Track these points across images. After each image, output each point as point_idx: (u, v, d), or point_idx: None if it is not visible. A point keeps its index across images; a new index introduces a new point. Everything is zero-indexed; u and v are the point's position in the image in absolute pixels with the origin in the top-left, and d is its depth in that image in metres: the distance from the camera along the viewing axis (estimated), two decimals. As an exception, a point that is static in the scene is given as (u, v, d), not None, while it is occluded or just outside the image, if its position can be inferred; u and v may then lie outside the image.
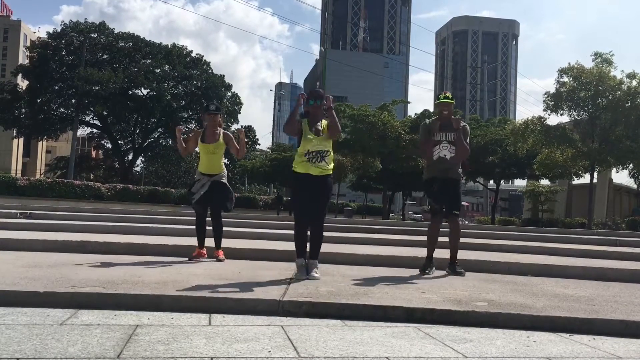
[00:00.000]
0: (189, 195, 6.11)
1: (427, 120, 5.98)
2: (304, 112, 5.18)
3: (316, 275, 4.84)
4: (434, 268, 5.60)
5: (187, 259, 5.90)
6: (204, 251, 6.01)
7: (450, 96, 5.83)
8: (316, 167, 4.97)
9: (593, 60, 24.67)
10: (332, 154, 5.11)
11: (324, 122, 5.09)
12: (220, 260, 5.85)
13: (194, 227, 6.17)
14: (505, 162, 35.16)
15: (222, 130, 6.17)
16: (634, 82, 23.94)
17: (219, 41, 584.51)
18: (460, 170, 5.70)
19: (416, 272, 5.58)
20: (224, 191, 6.06)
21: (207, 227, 6.16)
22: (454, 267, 5.61)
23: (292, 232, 5.16)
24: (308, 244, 5.09)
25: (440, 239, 5.72)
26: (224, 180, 6.13)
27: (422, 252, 6.43)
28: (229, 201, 6.08)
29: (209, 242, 6.10)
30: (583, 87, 24.12)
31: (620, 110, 23.47)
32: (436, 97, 5.91)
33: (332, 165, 5.10)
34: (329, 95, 5.15)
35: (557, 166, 25.30)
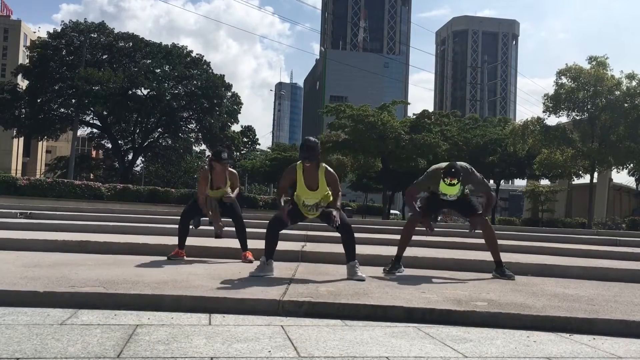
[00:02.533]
0: (192, 207, 6.11)
1: (435, 168, 5.50)
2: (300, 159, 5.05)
3: (360, 274, 4.81)
4: (403, 269, 5.46)
5: (186, 258, 5.89)
6: (184, 252, 5.96)
7: (455, 182, 5.16)
8: (315, 213, 5.05)
9: (589, 64, 24.74)
10: (329, 195, 5.05)
11: (320, 175, 4.98)
12: (249, 262, 5.78)
13: (193, 227, 6.17)
14: (505, 162, 35.18)
15: (228, 173, 6.16)
16: (634, 83, 23.97)
17: (220, 40, 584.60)
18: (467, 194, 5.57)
19: (416, 272, 5.56)
20: (232, 205, 6.09)
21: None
22: (501, 271, 5.40)
23: (292, 231, 5.16)
24: (343, 249, 5.04)
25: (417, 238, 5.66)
26: (230, 195, 6.14)
27: (422, 251, 6.45)
28: (237, 205, 6.14)
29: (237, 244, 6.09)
30: (582, 88, 24.16)
31: (620, 110, 23.50)
32: (442, 179, 5.25)
33: (330, 200, 5.05)
34: (335, 215, 4.92)
35: (557, 166, 25.32)
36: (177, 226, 6.09)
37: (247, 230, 6.15)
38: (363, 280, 4.75)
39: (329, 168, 5.06)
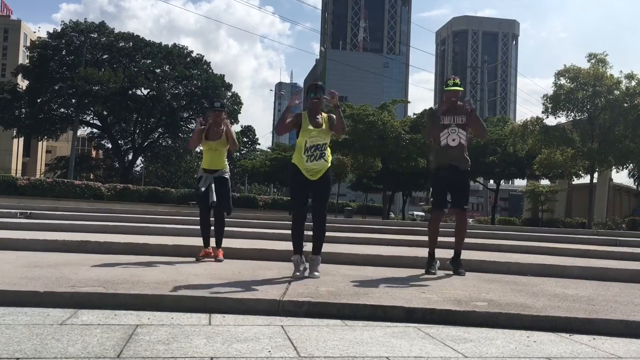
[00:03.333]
0: (200, 199, 6.09)
1: (434, 106, 5.85)
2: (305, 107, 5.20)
3: (317, 274, 4.84)
4: (438, 264, 5.56)
5: (187, 258, 5.91)
6: (210, 250, 6.01)
7: (459, 82, 5.61)
8: (315, 166, 4.96)
9: (588, 61, 24.75)
10: (329, 148, 5.11)
11: (323, 115, 5.10)
12: (219, 261, 5.85)
13: (194, 226, 6.20)
14: (505, 162, 35.15)
15: (225, 127, 6.15)
16: (633, 83, 23.97)
17: (220, 40, 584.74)
18: (468, 160, 5.61)
19: (416, 272, 5.58)
20: (225, 187, 6.05)
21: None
22: (456, 266, 5.53)
23: (290, 230, 5.16)
24: (313, 239, 5.07)
25: (441, 238, 5.71)
26: (227, 176, 6.14)
27: (422, 251, 6.44)
28: (227, 200, 6.09)
29: (213, 241, 6.10)
30: (581, 88, 24.17)
31: (619, 110, 23.51)
32: (444, 84, 5.72)
33: (330, 159, 5.10)
34: (334, 91, 5.13)
35: (556, 166, 25.33)
36: (177, 226, 6.10)
37: (247, 230, 6.17)
38: (317, 278, 4.75)
39: (332, 115, 5.15)
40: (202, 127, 6.14)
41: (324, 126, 5.05)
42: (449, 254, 5.79)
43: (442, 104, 5.62)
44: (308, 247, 5.14)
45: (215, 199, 5.94)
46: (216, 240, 6.07)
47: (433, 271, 5.47)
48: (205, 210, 6.09)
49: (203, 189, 5.94)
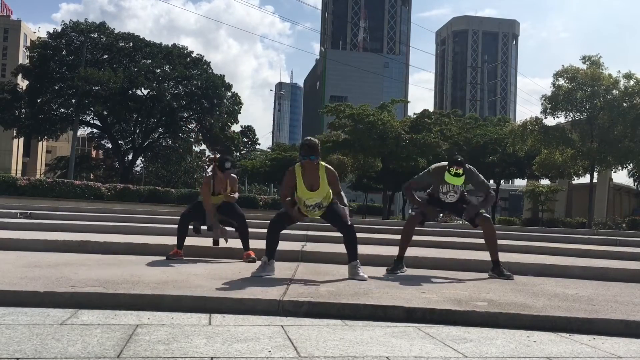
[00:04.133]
0: (194, 212, 6.14)
1: (436, 166, 5.54)
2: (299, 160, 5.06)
3: (362, 274, 4.82)
4: (405, 268, 5.51)
5: (186, 258, 5.90)
6: (181, 252, 5.97)
7: (461, 172, 5.19)
8: (316, 214, 5.05)
9: (583, 63, 24.79)
10: (330, 194, 5.04)
11: (321, 172, 4.96)
12: (251, 261, 5.80)
13: (194, 231, 6.18)
14: (505, 162, 35.19)
15: (229, 179, 6.21)
16: (631, 82, 23.98)
17: (220, 40, 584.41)
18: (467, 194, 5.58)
19: (416, 272, 5.56)
20: (232, 207, 6.13)
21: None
22: (498, 270, 5.40)
23: (292, 231, 5.16)
24: (345, 248, 5.04)
25: (417, 237, 5.66)
26: (232, 201, 6.19)
27: (422, 251, 6.45)
28: (239, 213, 6.18)
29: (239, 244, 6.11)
30: (579, 88, 24.19)
31: (618, 110, 23.51)
32: (447, 170, 5.26)
33: (330, 199, 5.05)
34: (345, 206, 5.03)
35: (556, 166, 25.34)
36: (176, 226, 6.10)
37: (248, 229, 6.16)
38: (365, 280, 4.75)
39: (329, 166, 5.06)
40: (209, 180, 6.17)
41: (320, 187, 4.95)
42: (417, 252, 5.78)
43: (440, 188, 5.45)
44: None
45: (199, 232, 6.11)
46: (243, 244, 6.06)
47: (399, 273, 5.38)
48: (188, 216, 6.09)
49: (213, 232, 6.08)
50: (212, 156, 6.88)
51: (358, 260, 4.95)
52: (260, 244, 6.89)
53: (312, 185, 4.94)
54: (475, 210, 5.46)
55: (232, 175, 6.25)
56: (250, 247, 6.03)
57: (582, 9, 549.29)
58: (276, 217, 5.08)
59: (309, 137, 5.18)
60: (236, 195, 6.25)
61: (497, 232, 5.78)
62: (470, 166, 5.46)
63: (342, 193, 5.13)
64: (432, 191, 5.59)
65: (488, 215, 5.57)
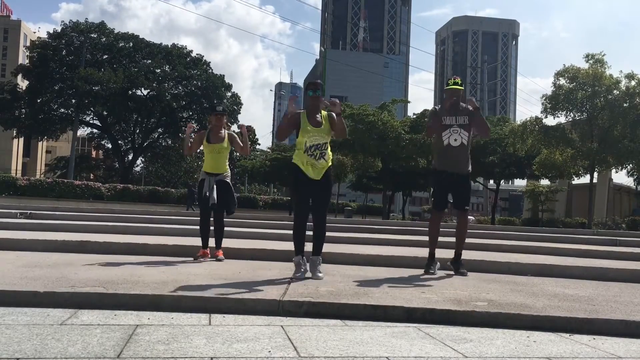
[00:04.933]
0: (201, 200, 6.09)
1: (436, 107, 5.82)
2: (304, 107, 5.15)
3: (320, 275, 4.82)
4: (437, 265, 5.57)
5: (187, 258, 5.92)
6: (208, 251, 6.03)
7: (459, 82, 5.59)
8: (316, 166, 4.94)
9: (586, 62, 24.77)
10: (329, 147, 5.07)
11: (323, 113, 5.04)
12: (220, 260, 5.88)
13: (193, 227, 6.20)
14: (505, 162, 35.16)
15: (226, 130, 6.21)
16: (633, 82, 23.97)
17: (221, 39, 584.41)
18: (469, 162, 5.60)
19: (416, 272, 5.57)
20: (229, 192, 6.11)
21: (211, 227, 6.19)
22: (458, 266, 5.53)
23: (292, 231, 5.15)
24: (313, 239, 5.05)
25: (442, 238, 5.70)
26: (228, 180, 6.18)
27: (422, 251, 6.44)
28: (232, 204, 6.15)
29: (212, 242, 6.12)
30: (580, 88, 24.18)
31: (619, 110, 23.51)
32: (445, 84, 5.71)
33: (330, 158, 5.07)
34: (335, 100, 5.04)
35: (556, 167, 25.34)
36: (177, 226, 6.12)
37: (246, 230, 6.18)
38: (320, 279, 4.71)
39: (332, 113, 5.09)
40: (203, 130, 6.17)
41: (323, 125, 4.99)
42: (447, 254, 5.79)
43: (444, 103, 5.61)
44: (308, 247, 5.13)
45: (215, 201, 5.97)
46: (216, 241, 6.11)
47: (432, 271, 5.48)
48: (206, 212, 6.12)
49: (208, 193, 5.96)
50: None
51: (320, 257, 5.01)
52: (259, 244, 6.91)
53: (317, 123, 4.98)
54: (464, 216, 5.60)
55: (231, 132, 6.22)
56: (245, 246, 6.04)
57: (583, 9, 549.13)
58: (297, 212, 5.04)
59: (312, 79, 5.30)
60: (240, 141, 6.19)
61: (497, 232, 5.79)
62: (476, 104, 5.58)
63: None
64: (436, 137, 5.57)
65: (467, 212, 5.64)
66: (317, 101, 5.00)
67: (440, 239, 5.73)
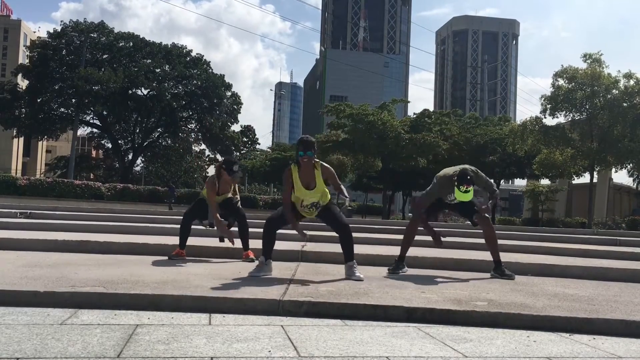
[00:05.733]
0: (197, 210, 6.12)
1: (442, 175, 5.47)
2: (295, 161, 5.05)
3: (360, 275, 4.81)
4: (406, 269, 5.52)
5: (187, 258, 5.90)
6: (184, 252, 5.97)
7: (470, 189, 5.15)
8: (313, 214, 5.02)
9: (584, 62, 24.79)
10: (327, 193, 5.03)
11: (317, 171, 4.95)
12: (251, 261, 5.81)
13: (193, 226, 6.16)
14: (505, 161, 35.21)
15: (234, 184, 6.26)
16: (632, 82, 23.98)
17: (221, 39, 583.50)
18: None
19: (416, 271, 5.56)
20: (235, 205, 6.16)
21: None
22: (500, 270, 5.41)
23: (292, 231, 5.15)
24: (341, 249, 5.04)
25: (419, 237, 5.68)
26: (234, 201, 6.20)
27: (422, 251, 6.44)
28: (241, 211, 6.19)
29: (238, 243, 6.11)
30: (579, 88, 24.19)
31: (618, 109, 23.51)
32: (457, 186, 5.21)
33: (328, 199, 5.04)
34: (346, 206, 5.07)
35: (556, 166, 25.35)
36: (177, 226, 6.10)
37: (249, 229, 6.16)
38: (361, 280, 4.74)
39: (324, 164, 5.06)
40: (214, 181, 6.14)
41: (317, 186, 4.94)
42: (417, 252, 5.78)
43: (447, 196, 5.43)
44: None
45: (212, 222, 6.04)
46: (243, 244, 6.07)
47: (400, 272, 5.40)
48: (191, 216, 6.09)
49: (209, 222, 6.06)
50: (217, 163, 7.01)
51: (355, 260, 4.95)
52: (259, 244, 6.90)
53: (309, 184, 4.94)
54: (484, 219, 5.47)
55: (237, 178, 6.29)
56: (251, 247, 6.03)
57: (583, 8, 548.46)
58: (273, 216, 5.08)
59: (305, 135, 5.22)
60: (238, 197, 6.28)
61: (497, 232, 5.77)
62: (476, 170, 5.42)
63: (342, 186, 5.14)
64: (440, 196, 5.56)
65: (488, 216, 5.56)
66: (309, 162, 4.90)
67: (417, 237, 5.72)
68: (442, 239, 5.79)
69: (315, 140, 5.07)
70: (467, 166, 5.45)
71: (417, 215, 5.57)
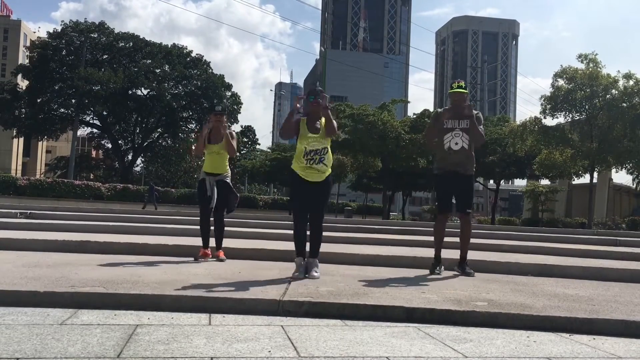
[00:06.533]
0: (202, 200, 6.08)
1: (439, 109, 5.81)
2: (304, 113, 5.14)
3: (316, 274, 4.84)
4: (442, 268, 5.56)
5: (187, 258, 5.92)
6: (209, 251, 6.02)
7: (463, 85, 5.59)
8: (315, 170, 4.95)
9: (581, 62, 24.80)
10: (330, 152, 5.06)
11: (322, 120, 5.05)
12: (221, 260, 5.87)
13: (193, 226, 6.19)
14: (505, 161, 35.19)
15: (227, 130, 6.16)
16: (631, 82, 23.97)
17: (221, 39, 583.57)
18: (473, 165, 5.59)
19: (416, 272, 5.57)
20: (229, 192, 6.10)
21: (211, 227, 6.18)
22: (463, 267, 5.53)
23: (292, 232, 5.16)
24: (307, 243, 5.08)
25: (447, 239, 5.70)
26: (228, 180, 6.16)
27: (422, 252, 6.44)
28: (233, 202, 6.14)
29: (212, 242, 6.12)
30: (578, 88, 24.19)
31: (617, 110, 23.51)
32: (449, 87, 5.69)
33: (330, 164, 5.07)
34: (325, 94, 5.08)
35: (556, 166, 25.35)
36: (177, 226, 6.11)
37: (247, 230, 6.18)
38: (317, 278, 4.75)
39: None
40: (206, 130, 6.15)
41: (322, 131, 4.99)
42: (451, 254, 5.79)
43: (448, 109, 5.56)
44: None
45: (214, 205, 5.99)
46: (216, 242, 6.10)
47: (438, 272, 5.48)
48: (206, 212, 6.11)
49: (209, 194, 5.96)
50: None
51: (317, 259, 5.03)
52: (258, 244, 6.91)
53: (314, 128, 4.99)
54: (467, 218, 5.61)
55: (230, 131, 6.22)
56: (245, 246, 6.04)
57: (584, 6, 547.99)
58: (291, 208, 5.08)
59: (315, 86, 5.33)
60: (234, 142, 6.16)
61: (497, 232, 5.79)
62: (478, 111, 5.57)
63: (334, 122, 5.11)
64: (438, 140, 5.56)
65: (470, 215, 5.65)
66: (317, 107, 5.00)
67: (445, 239, 5.73)
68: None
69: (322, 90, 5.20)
70: None
71: (431, 142, 5.73)
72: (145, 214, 12.73)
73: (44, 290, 3.63)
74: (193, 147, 6.34)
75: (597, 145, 24.24)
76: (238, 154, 53.12)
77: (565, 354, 2.93)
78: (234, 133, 6.31)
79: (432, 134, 5.65)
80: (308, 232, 5.09)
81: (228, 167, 6.27)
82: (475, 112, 5.51)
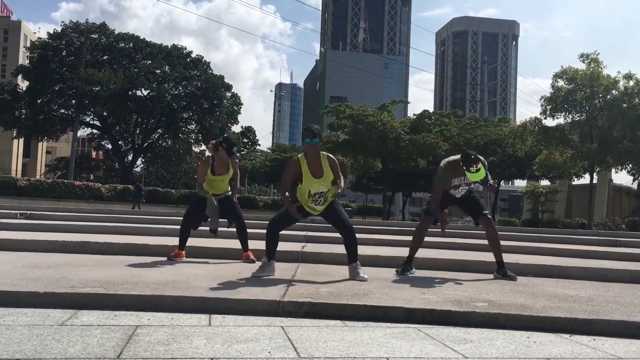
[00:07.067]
0: (195, 209, 6.06)
1: (449, 160, 5.51)
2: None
3: (364, 276, 4.84)
4: (414, 270, 5.51)
5: (187, 259, 5.90)
6: (184, 253, 5.96)
7: (480, 168, 5.18)
8: (320, 206, 5.00)
9: (582, 62, 24.81)
10: (332, 188, 5.03)
11: (323, 160, 4.99)
12: (252, 262, 5.79)
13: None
14: (505, 162, 35.20)
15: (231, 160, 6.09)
16: (631, 83, 23.98)
17: (222, 39, 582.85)
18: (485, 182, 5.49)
19: (416, 273, 5.55)
20: (233, 204, 6.09)
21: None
22: (504, 271, 5.40)
23: (292, 232, 5.15)
24: (345, 250, 5.04)
25: (428, 239, 5.67)
26: (229, 194, 6.14)
27: (422, 252, 6.43)
28: (239, 211, 6.14)
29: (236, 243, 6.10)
30: (579, 89, 24.20)
31: (618, 110, 23.52)
32: (466, 166, 5.21)
33: (333, 194, 5.04)
34: (340, 190, 4.98)
35: (556, 167, 25.36)
36: (177, 227, 6.10)
37: (247, 230, 6.15)
38: (365, 280, 4.76)
39: (329, 154, 5.10)
40: (208, 160, 6.07)
41: (325, 174, 4.96)
42: (425, 254, 5.78)
43: (457, 180, 5.43)
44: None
45: (216, 227, 6.00)
46: (242, 245, 6.03)
47: (409, 274, 5.41)
48: (192, 218, 6.05)
49: (213, 228, 6.01)
50: (213, 141, 6.74)
51: (358, 262, 4.96)
52: (261, 245, 6.90)
53: (317, 173, 4.96)
54: (486, 220, 5.47)
55: (234, 160, 6.16)
56: (250, 247, 6.03)
57: (584, 6, 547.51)
58: (276, 217, 5.09)
59: (310, 124, 5.28)
60: (237, 183, 6.13)
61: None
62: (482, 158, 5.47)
63: (342, 179, 5.10)
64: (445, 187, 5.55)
65: (490, 217, 5.56)
66: (314, 149, 4.94)
67: (426, 239, 5.71)
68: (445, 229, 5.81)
69: (320, 128, 5.12)
70: (466, 151, 5.52)
71: (436, 202, 5.51)
72: (146, 214, 12.73)
73: (44, 291, 3.63)
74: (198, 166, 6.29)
75: (597, 145, 24.25)
76: (238, 153, 53.20)
77: (566, 354, 2.93)
78: (236, 161, 6.20)
79: (446, 185, 5.50)
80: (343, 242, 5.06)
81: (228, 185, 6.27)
82: (489, 180, 5.43)
